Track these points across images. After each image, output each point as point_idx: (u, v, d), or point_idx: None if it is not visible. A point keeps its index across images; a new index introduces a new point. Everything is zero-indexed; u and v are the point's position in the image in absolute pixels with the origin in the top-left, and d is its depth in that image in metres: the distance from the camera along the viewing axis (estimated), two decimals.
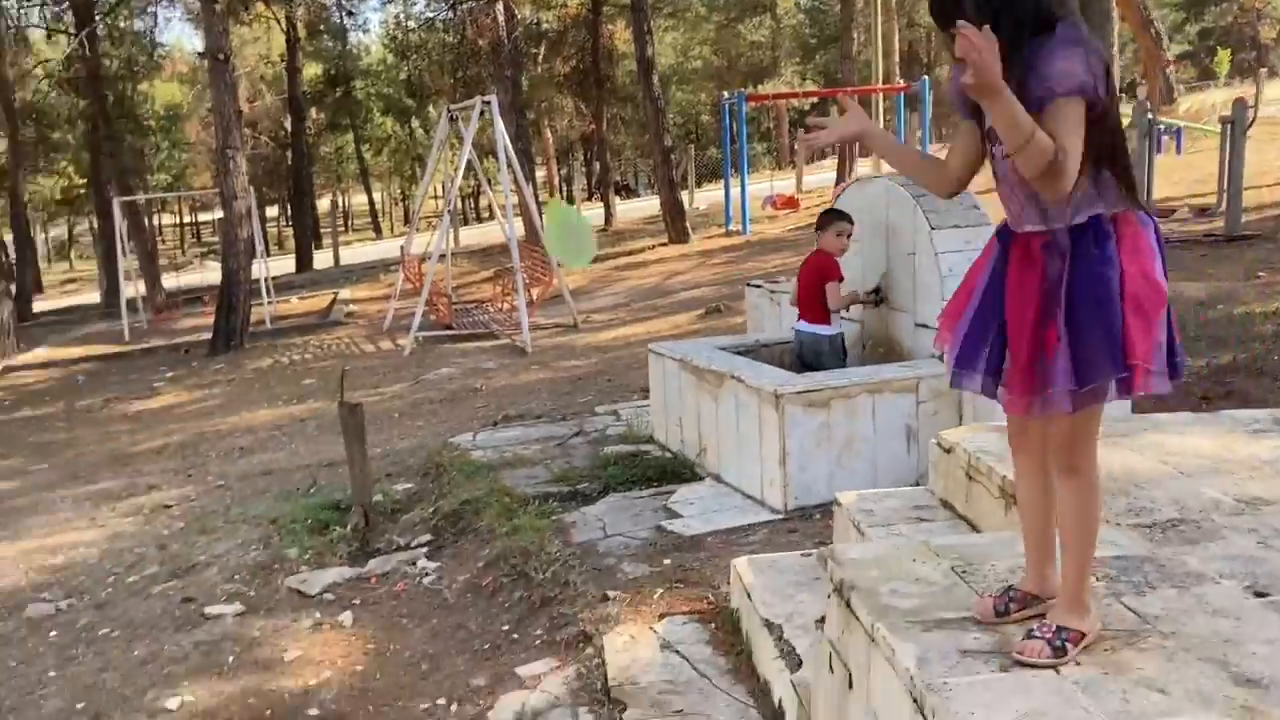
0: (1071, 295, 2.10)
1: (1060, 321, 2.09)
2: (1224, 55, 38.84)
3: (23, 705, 4.15)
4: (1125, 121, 10.08)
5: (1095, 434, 2.20)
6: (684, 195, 22.03)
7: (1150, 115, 12.28)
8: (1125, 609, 2.34)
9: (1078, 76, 2.04)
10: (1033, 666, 2.08)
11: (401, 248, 16.73)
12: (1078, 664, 2.09)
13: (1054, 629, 2.12)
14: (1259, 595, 2.40)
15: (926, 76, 22.73)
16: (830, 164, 33.85)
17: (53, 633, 4.88)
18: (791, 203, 21.55)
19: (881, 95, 25.04)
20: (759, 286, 6.97)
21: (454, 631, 4.31)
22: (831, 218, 5.70)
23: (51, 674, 4.42)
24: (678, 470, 5.73)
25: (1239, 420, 3.89)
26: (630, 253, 19.43)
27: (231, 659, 4.30)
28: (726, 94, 22.21)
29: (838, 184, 23.48)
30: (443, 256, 14.88)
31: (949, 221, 5.34)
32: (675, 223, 19.57)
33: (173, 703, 3.96)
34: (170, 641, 4.55)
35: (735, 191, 19.85)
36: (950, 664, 2.12)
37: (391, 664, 4.12)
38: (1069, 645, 2.10)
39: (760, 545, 4.50)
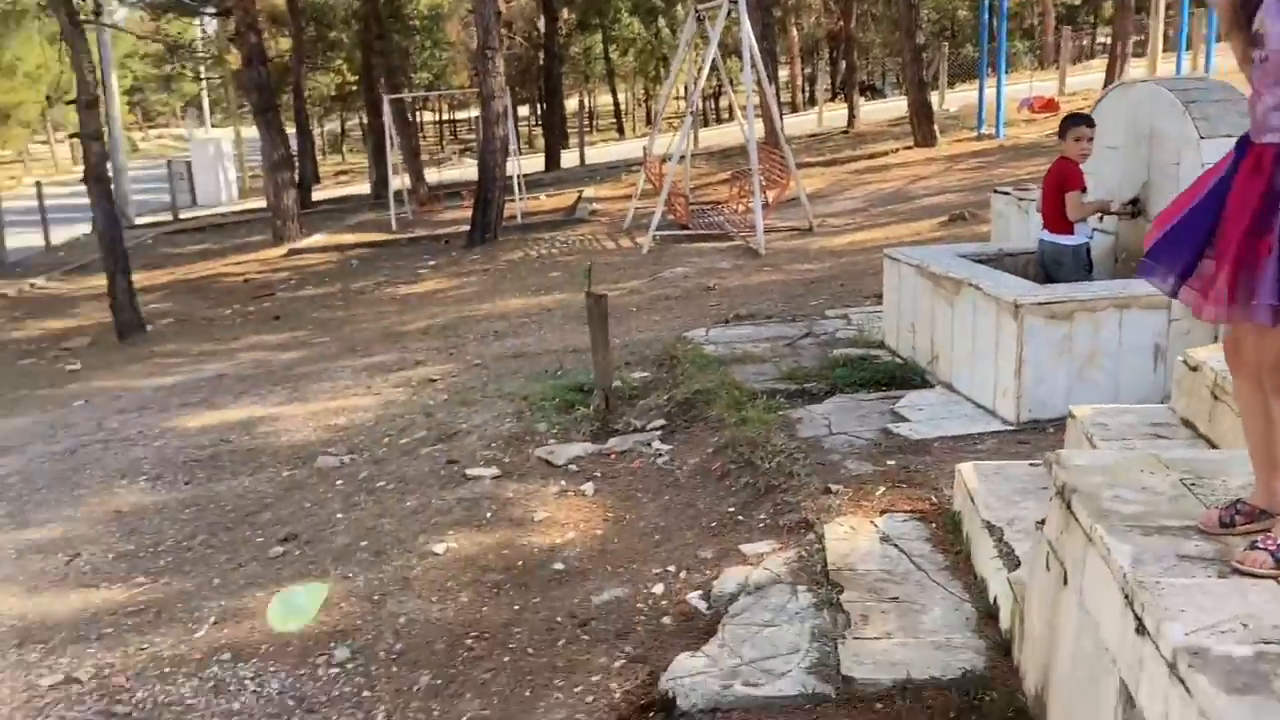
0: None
1: (1277, 233, 2.06)
2: None
3: (317, 539, 4.84)
4: None
5: None
6: (934, 96, 21.11)
7: None
8: None
9: None
10: (1252, 575, 2.11)
11: (644, 148, 17.09)
12: None
13: (1279, 543, 2.13)
14: None
15: None
16: (1097, 64, 31.29)
17: (338, 482, 5.60)
18: (1051, 105, 20.23)
19: None
20: (1006, 193, 6.77)
21: (684, 508, 4.65)
22: (1071, 122, 5.46)
23: (339, 515, 5.11)
24: (907, 376, 5.78)
25: None
26: (871, 156, 18.95)
27: (489, 515, 4.82)
28: None
29: (1106, 86, 21.81)
30: (683, 157, 15.11)
31: (1220, 130, 5.01)
32: (922, 125, 18.87)
33: (439, 548, 4.52)
34: (436, 496, 5.14)
35: (990, 93, 18.85)
36: (1166, 565, 2.18)
37: (627, 531, 4.51)
38: None
39: (988, 454, 4.54)
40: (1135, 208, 5.56)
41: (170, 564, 4.73)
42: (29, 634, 4.15)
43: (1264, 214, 2.09)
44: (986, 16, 20.28)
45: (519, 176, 17.53)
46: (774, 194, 14.06)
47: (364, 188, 26.05)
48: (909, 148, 18.88)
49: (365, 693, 3.48)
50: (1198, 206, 2.25)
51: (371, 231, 18.10)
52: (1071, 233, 5.45)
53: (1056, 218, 5.45)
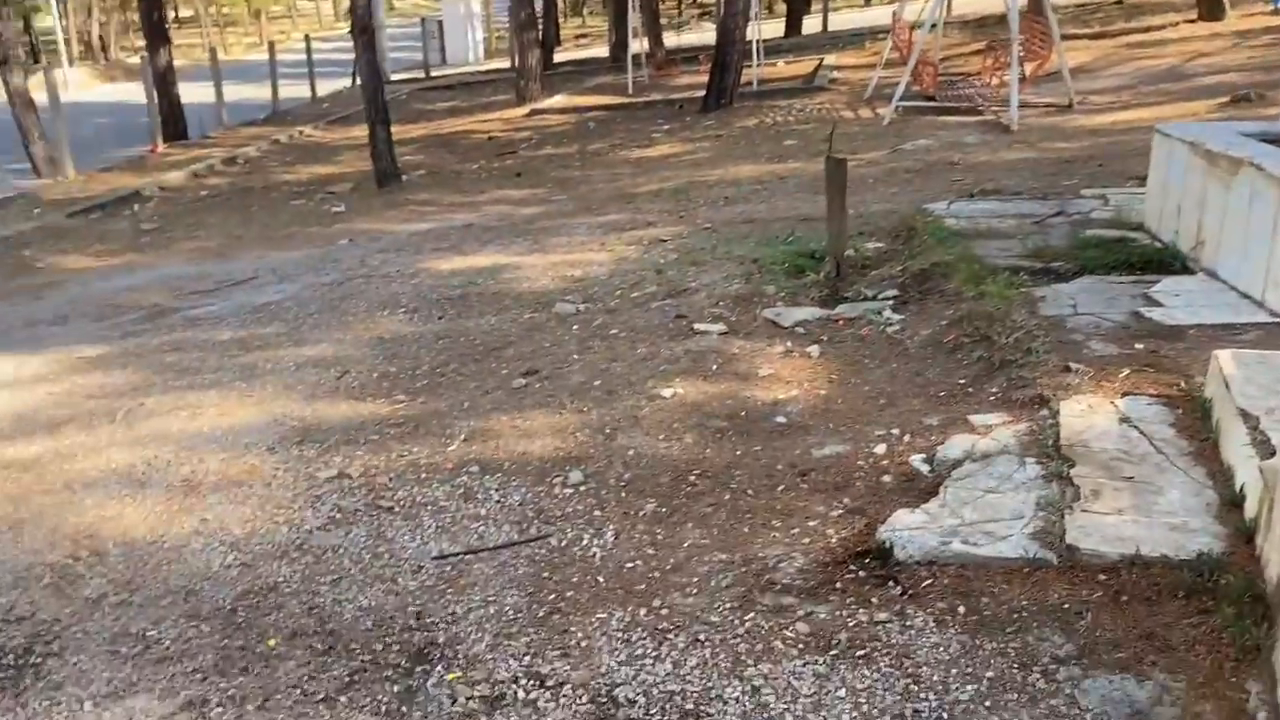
0: None
1: None
2: None
3: (555, 375, 5.16)
4: None
5: None
6: None
7: None
8: None
9: None
10: None
11: (893, 13, 16.28)
12: None
13: None
14: None
15: None
16: None
17: (574, 326, 5.90)
18: None
19: None
20: None
21: (912, 377, 4.62)
22: None
23: (575, 356, 5.40)
24: (1166, 261, 5.42)
25: None
26: (1147, 29, 17.28)
27: (714, 367, 4.97)
28: None
29: None
30: (934, 25, 14.31)
31: None
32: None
33: (667, 392, 4.72)
34: (665, 346, 5.34)
35: None
36: None
37: (852, 393, 4.55)
38: None
39: (1251, 345, 4.23)
40: None
41: (425, 386, 5.18)
42: (307, 434, 4.69)
43: None
44: None
45: (758, 41, 17.16)
46: (1033, 67, 13.15)
47: (603, 50, 26.21)
48: (1191, 21, 17.09)
49: (596, 512, 3.75)
50: None
51: (609, 94, 18.30)
52: None
53: None
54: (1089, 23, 19.12)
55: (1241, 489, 3.11)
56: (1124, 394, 3.94)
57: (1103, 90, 13.04)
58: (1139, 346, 4.38)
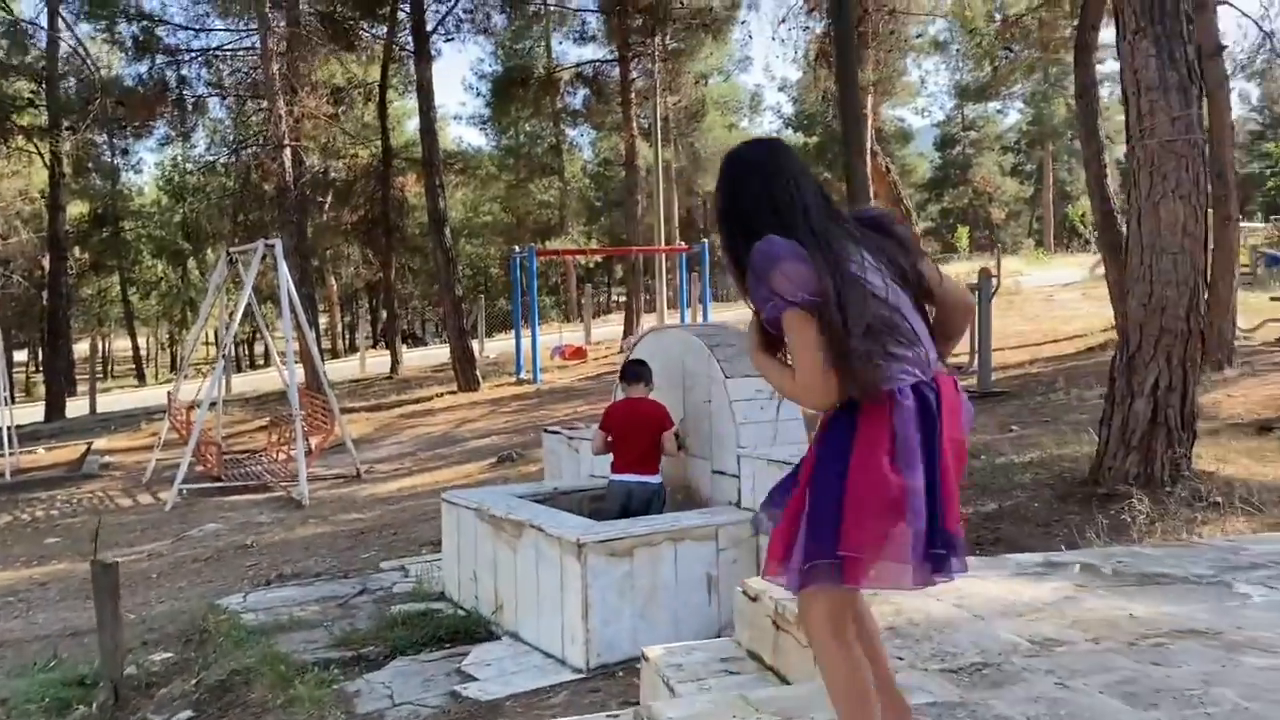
0: (811, 476, 2.22)
1: (806, 498, 2.20)
2: (963, 232, 43.45)
3: None
4: None
5: (827, 618, 2.22)
6: (474, 344, 21.94)
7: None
8: None
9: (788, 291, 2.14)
10: None
11: (169, 394, 15.68)
12: None
13: None
14: None
15: (705, 240, 24.02)
16: (614, 317, 34.79)
17: None
18: (579, 353, 21.90)
19: (664, 255, 26.21)
20: (557, 433, 6.89)
21: None
22: (638, 367, 5.73)
23: None
24: (472, 629, 5.42)
25: (1020, 564, 4.08)
26: (417, 400, 18.99)
27: None
28: (517, 248, 22.63)
29: (625, 337, 24.11)
30: (214, 404, 14.03)
31: (741, 370, 5.48)
32: (465, 370, 19.40)
33: None
34: None
35: (525, 342, 19.98)
36: None
37: None
38: None
39: (562, 708, 4.26)
40: (678, 442, 5.85)
41: None
42: None
43: (806, 480, 2.25)
44: (518, 274, 21.81)
45: (10, 427, 15.16)
46: (318, 440, 13.40)
47: None
48: (453, 392, 19.22)
49: None
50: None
51: None
52: (658, 472, 5.58)
53: (651, 458, 5.56)
54: (365, 396, 20.50)
55: None
56: None
57: (386, 458, 13.72)
58: None
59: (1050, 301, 20.62)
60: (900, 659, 2.97)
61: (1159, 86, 6.33)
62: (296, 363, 13.65)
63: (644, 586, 4.89)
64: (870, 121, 24.07)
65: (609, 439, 5.68)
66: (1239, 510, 6.06)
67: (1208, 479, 6.84)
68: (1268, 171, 37.13)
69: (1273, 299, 14.68)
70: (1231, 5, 13.15)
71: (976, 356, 12.24)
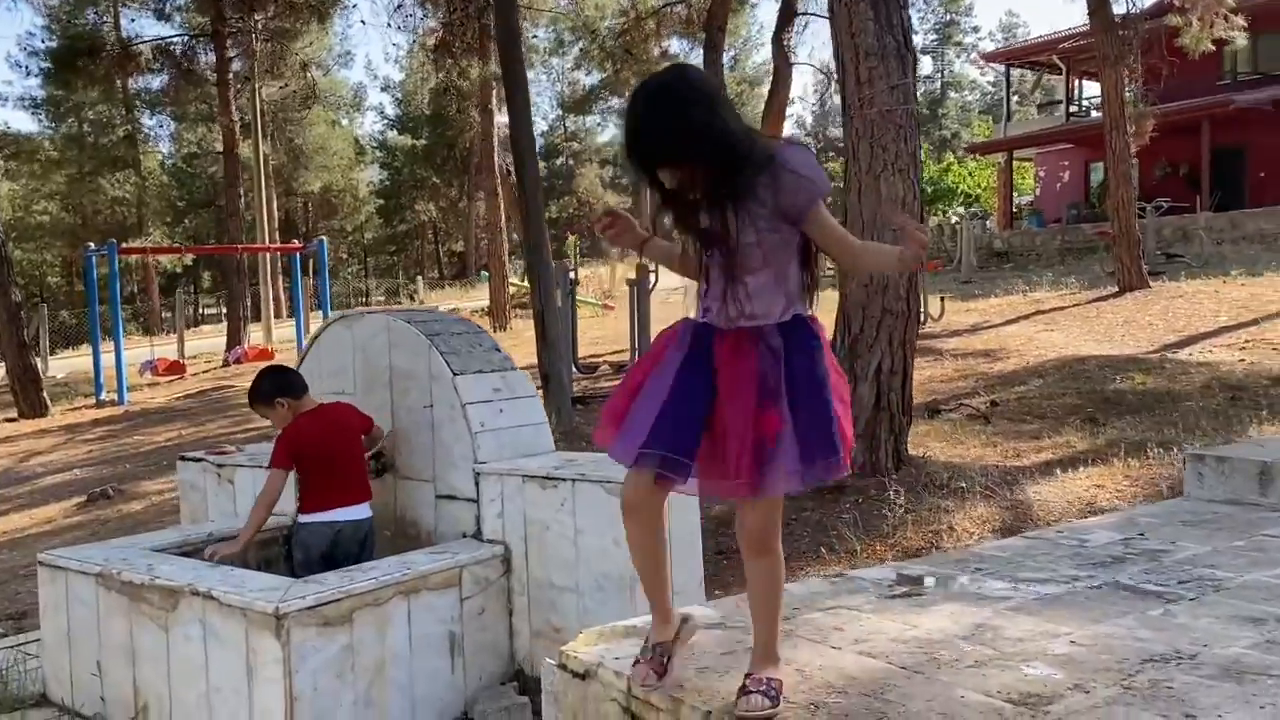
0: (791, 384, 2.19)
1: (784, 408, 2.18)
2: (573, 239, 44.41)
3: None
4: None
5: (780, 516, 2.32)
6: (38, 362, 18.22)
7: (573, 278, 12.68)
8: None
9: None
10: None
11: None
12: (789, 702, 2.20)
13: (765, 681, 2.22)
14: None
15: (324, 238, 21.96)
16: (212, 330, 31.15)
17: None
18: (176, 367, 19.06)
19: (274, 255, 23.72)
20: (199, 459, 5.20)
21: None
22: (292, 375, 4.41)
23: None
24: None
25: (875, 582, 3.32)
26: None
27: None
28: (92, 245, 19.17)
29: (229, 349, 21.37)
30: None
31: (473, 366, 4.31)
32: (29, 392, 15.96)
33: None
34: None
35: (106, 357, 16.88)
36: None
37: None
38: (779, 693, 2.22)
39: None
40: (381, 462, 4.53)
41: None
42: None
43: (763, 394, 2.18)
44: (94, 276, 18.52)
45: None
46: None
47: None
48: (12, 419, 15.77)
49: None
50: (678, 394, 2.22)
51: None
52: (369, 498, 4.23)
53: (358, 483, 4.20)
54: None
55: None
56: None
57: None
58: None
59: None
60: None
61: (878, 52, 6.02)
62: None
63: (369, 663, 3.57)
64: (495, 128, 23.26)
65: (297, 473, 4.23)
66: (977, 495, 5.87)
67: (925, 465, 6.68)
68: None
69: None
70: None
71: (636, 351, 11.83)
